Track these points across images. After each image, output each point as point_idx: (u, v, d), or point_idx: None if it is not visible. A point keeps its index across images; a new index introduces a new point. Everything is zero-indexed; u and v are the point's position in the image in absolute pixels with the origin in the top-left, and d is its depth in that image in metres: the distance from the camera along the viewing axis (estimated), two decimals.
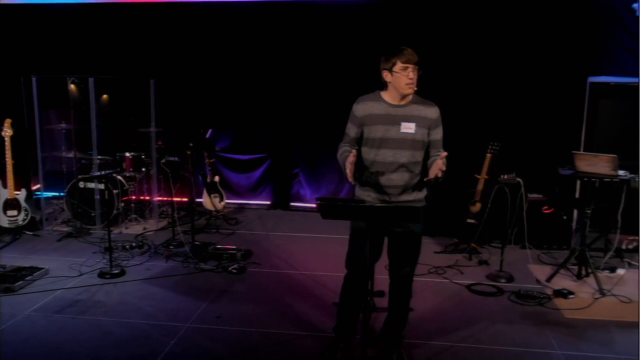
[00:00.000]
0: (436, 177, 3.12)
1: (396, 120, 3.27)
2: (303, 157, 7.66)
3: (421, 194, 3.44)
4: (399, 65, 3.19)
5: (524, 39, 6.28)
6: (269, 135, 7.68)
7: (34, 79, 6.19)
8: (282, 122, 7.51)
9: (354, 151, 3.17)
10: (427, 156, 3.39)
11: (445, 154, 3.12)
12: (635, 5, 6.01)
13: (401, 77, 3.20)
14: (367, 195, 3.37)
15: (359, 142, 3.40)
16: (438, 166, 3.08)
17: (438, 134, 3.38)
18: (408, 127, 3.26)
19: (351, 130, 3.40)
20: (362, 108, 3.34)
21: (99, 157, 6.51)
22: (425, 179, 3.31)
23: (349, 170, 3.13)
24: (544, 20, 6.20)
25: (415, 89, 3.27)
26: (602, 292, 4.76)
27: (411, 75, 3.20)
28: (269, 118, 7.54)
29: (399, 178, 3.31)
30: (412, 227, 3.34)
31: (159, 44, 7.31)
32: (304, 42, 7.13)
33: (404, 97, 3.29)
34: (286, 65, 7.27)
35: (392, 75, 3.23)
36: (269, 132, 7.65)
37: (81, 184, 6.49)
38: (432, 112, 3.33)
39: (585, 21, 6.12)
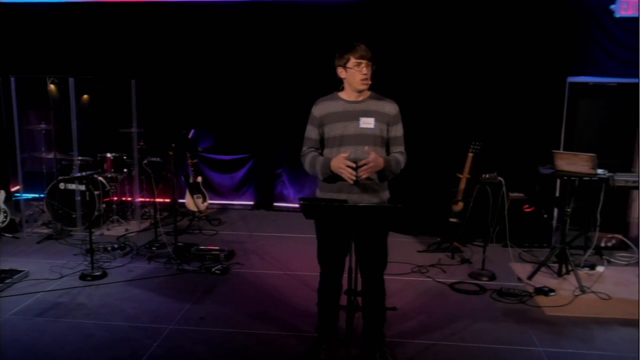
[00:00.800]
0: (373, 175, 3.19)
1: (354, 116, 3.28)
2: (286, 157, 7.65)
3: (383, 195, 3.41)
4: (352, 61, 3.22)
5: (505, 41, 6.34)
6: (251, 136, 7.66)
7: (12, 78, 6.09)
8: (265, 122, 7.50)
9: (343, 154, 3.18)
10: (387, 154, 3.39)
11: (372, 155, 3.13)
12: (613, 7, 6.10)
13: (355, 73, 3.23)
14: (329, 195, 3.34)
15: (321, 144, 3.40)
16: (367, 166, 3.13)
17: (398, 131, 3.38)
18: (367, 122, 3.27)
19: (312, 133, 3.40)
20: (320, 108, 3.36)
21: (80, 158, 6.44)
22: (358, 177, 3.19)
23: (348, 173, 3.13)
24: (525, 21, 6.27)
25: (370, 83, 3.29)
26: (582, 290, 4.83)
27: (365, 70, 3.22)
28: (252, 118, 7.53)
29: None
30: (377, 223, 3.32)
31: (141, 44, 7.27)
32: (288, 42, 7.13)
33: (359, 93, 3.31)
34: (269, 65, 7.26)
35: (346, 71, 3.26)
36: (252, 132, 7.64)
37: (61, 185, 6.42)
38: (390, 107, 3.35)
39: (564, 22, 6.21)
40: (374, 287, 3.48)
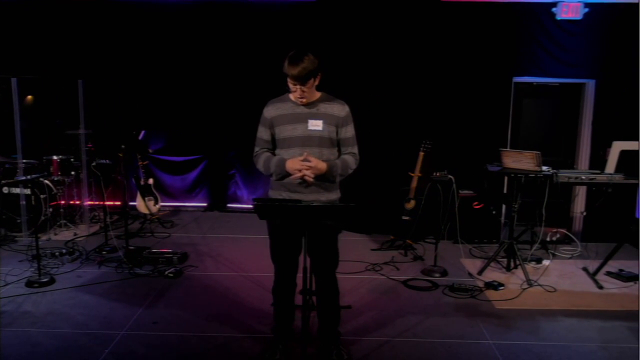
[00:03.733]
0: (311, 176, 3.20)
1: (302, 118, 3.30)
2: (239, 157, 7.60)
3: (333, 195, 3.43)
4: (289, 79, 3.22)
5: (454, 43, 6.49)
6: (204, 136, 7.58)
7: None
8: (217, 122, 7.44)
9: (304, 154, 3.20)
10: (339, 155, 3.43)
11: (313, 161, 3.19)
12: (554, 9, 6.34)
13: (292, 88, 3.26)
14: (279, 195, 3.38)
15: (273, 144, 3.43)
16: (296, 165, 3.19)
17: (348, 132, 3.40)
18: (315, 125, 3.29)
19: (263, 134, 3.43)
20: (271, 110, 3.38)
21: (24, 160, 6.24)
22: (292, 177, 3.27)
23: (307, 177, 3.19)
24: (472, 23, 6.43)
25: (305, 100, 3.28)
26: (529, 283, 5.00)
27: (298, 93, 3.23)
28: (203, 118, 7.45)
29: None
30: (327, 222, 3.34)
31: (88, 43, 7.08)
32: (239, 42, 7.08)
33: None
34: (220, 65, 7.20)
35: (288, 82, 3.26)
36: (204, 133, 7.55)
37: (5, 189, 6.20)
38: (339, 109, 3.36)
39: (509, 24, 6.40)
40: (326, 286, 3.51)
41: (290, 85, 3.23)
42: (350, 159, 3.40)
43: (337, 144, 3.41)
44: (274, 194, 3.43)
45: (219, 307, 4.45)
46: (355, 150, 3.45)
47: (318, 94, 3.36)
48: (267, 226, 3.46)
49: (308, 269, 3.10)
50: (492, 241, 6.34)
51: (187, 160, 7.71)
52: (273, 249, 3.50)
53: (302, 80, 3.15)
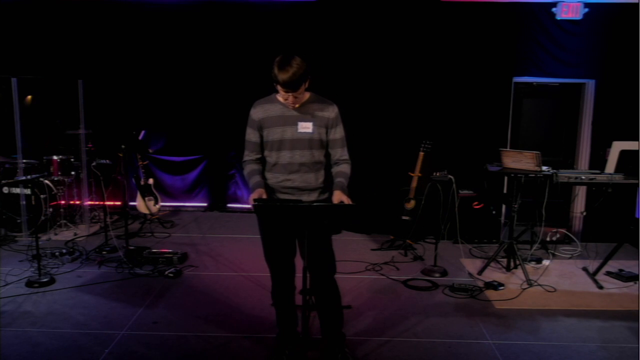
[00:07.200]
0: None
1: (292, 121, 3.26)
2: (239, 157, 7.53)
3: (323, 197, 3.40)
4: (279, 85, 3.12)
5: (454, 43, 6.50)
6: (204, 136, 7.57)
7: None
8: (217, 122, 7.44)
9: (260, 190, 3.20)
10: (328, 155, 3.40)
11: (335, 198, 3.18)
12: (554, 9, 6.34)
13: (283, 96, 3.20)
14: (271, 198, 3.33)
15: (261, 147, 3.39)
16: (337, 198, 3.17)
17: (337, 133, 3.35)
18: (305, 127, 3.25)
19: (251, 136, 3.38)
20: (259, 111, 3.33)
21: (24, 161, 6.24)
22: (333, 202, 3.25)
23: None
24: (472, 23, 6.44)
25: (297, 106, 3.24)
26: (529, 283, 5.00)
27: (290, 99, 3.18)
28: (204, 118, 7.45)
29: (300, 179, 3.30)
30: (324, 222, 3.28)
31: (88, 43, 7.08)
32: (239, 42, 7.08)
33: None
34: (220, 64, 7.20)
35: (278, 89, 3.17)
36: (204, 133, 7.55)
37: (5, 190, 6.20)
38: (329, 111, 3.31)
39: (509, 24, 6.41)
40: (325, 288, 3.45)
41: (282, 92, 3.15)
42: (346, 167, 3.37)
43: (326, 144, 3.36)
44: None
45: (218, 307, 4.45)
46: (345, 152, 3.40)
47: (307, 95, 3.31)
48: (258, 227, 3.41)
49: (305, 268, 3.08)
50: (492, 241, 6.33)
51: (187, 160, 7.71)
52: (266, 251, 3.45)
53: (293, 86, 3.08)
